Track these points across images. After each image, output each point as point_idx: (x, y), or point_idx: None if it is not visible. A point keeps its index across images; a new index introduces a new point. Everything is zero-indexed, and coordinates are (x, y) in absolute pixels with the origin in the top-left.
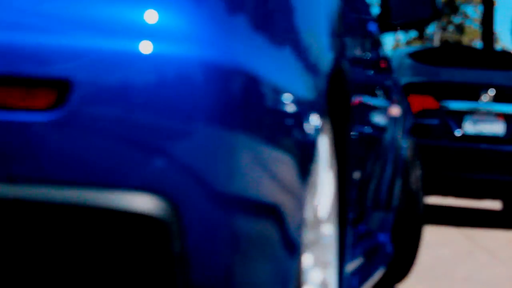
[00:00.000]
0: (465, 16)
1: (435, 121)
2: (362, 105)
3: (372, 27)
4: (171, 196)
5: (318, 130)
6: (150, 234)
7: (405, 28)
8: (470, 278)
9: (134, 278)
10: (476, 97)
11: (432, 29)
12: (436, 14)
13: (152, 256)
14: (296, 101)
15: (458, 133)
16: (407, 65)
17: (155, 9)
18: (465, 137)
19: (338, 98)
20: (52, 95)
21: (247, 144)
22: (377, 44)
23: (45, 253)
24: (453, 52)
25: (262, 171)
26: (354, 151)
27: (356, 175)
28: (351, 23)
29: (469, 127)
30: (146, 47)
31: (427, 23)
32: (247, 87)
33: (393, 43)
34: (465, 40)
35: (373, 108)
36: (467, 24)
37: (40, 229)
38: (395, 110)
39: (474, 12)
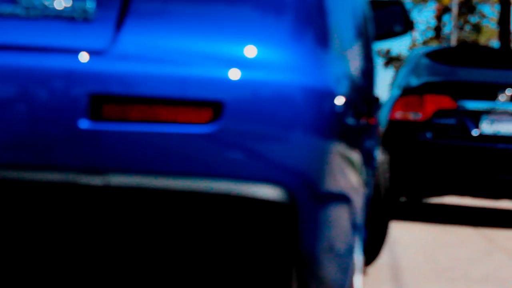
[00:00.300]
0: (482, 15)
1: (452, 121)
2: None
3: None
4: (291, 188)
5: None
6: (279, 215)
7: (379, 39)
8: (488, 278)
9: (262, 244)
10: (493, 97)
11: (449, 29)
12: (408, 26)
13: (278, 228)
14: (362, 116)
15: (475, 133)
16: (424, 65)
17: (275, 49)
18: (482, 137)
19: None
20: (209, 113)
21: (337, 149)
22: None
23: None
24: (470, 52)
25: (345, 169)
26: None
27: None
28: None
29: (486, 127)
30: (269, 77)
31: (400, 34)
32: (334, 105)
33: (410, 43)
34: (482, 39)
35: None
36: (484, 23)
37: (205, 209)
38: (374, 123)
39: (491, 11)
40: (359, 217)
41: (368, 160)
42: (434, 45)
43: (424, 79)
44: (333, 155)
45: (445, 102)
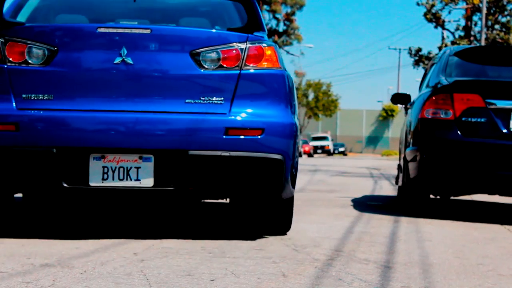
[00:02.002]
0: (511, 15)
1: (481, 119)
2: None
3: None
4: (283, 155)
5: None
6: (276, 164)
7: None
8: None
9: (263, 181)
10: None
11: (478, 28)
12: None
13: (274, 170)
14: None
15: (505, 131)
16: (454, 63)
17: (279, 110)
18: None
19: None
20: (260, 132)
21: (295, 142)
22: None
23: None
24: (499, 51)
25: (295, 150)
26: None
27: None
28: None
29: None
30: (277, 120)
31: None
32: (293, 126)
33: (440, 42)
34: None
35: None
36: None
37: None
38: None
39: None
40: (296, 163)
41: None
42: (463, 44)
43: (454, 78)
44: (294, 145)
45: (475, 100)
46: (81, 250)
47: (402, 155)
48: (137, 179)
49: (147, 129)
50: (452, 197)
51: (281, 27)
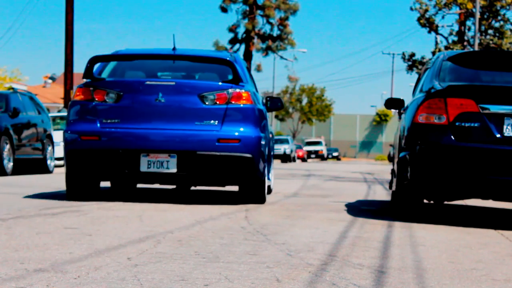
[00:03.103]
0: (505, 20)
1: (475, 124)
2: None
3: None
4: (252, 154)
5: (272, 135)
6: (248, 160)
7: (271, 111)
8: (511, 280)
9: (241, 170)
10: None
11: (472, 33)
12: (282, 106)
13: (247, 164)
14: (268, 139)
15: (498, 136)
16: (447, 68)
17: (252, 130)
18: (505, 140)
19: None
20: (238, 141)
21: (259, 147)
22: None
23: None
24: (493, 56)
25: (264, 150)
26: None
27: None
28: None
29: (509, 130)
30: (251, 135)
31: (280, 109)
32: (258, 138)
33: (434, 47)
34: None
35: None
36: (507, 28)
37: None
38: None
39: None
40: (267, 158)
41: (270, 147)
42: (457, 49)
43: (447, 82)
44: (259, 148)
45: (469, 105)
46: (75, 255)
47: (396, 160)
48: (167, 168)
49: (172, 139)
50: (445, 202)
51: (275, 32)
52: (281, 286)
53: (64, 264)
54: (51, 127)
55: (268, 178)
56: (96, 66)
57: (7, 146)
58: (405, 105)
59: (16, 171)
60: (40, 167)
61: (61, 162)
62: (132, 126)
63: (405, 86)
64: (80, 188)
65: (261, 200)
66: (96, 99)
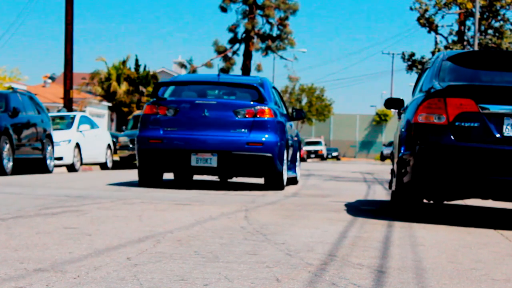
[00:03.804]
0: (505, 20)
1: (474, 124)
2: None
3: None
4: (272, 154)
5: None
6: (269, 158)
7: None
8: (511, 279)
9: (264, 166)
10: None
11: (471, 33)
12: (305, 115)
13: (268, 161)
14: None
15: (498, 135)
16: (447, 68)
17: (274, 137)
18: (505, 139)
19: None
20: (261, 144)
21: (278, 149)
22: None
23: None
24: (492, 56)
25: (286, 150)
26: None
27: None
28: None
29: (509, 130)
30: (272, 140)
31: (302, 119)
32: (277, 142)
33: (433, 47)
34: (505, 43)
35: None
36: (506, 28)
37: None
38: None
39: None
40: (293, 156)
41: (293, 147)
42: (457, 49)
43: (447, 82)
44: (278, 149)
45: (468, 105)
46: (74, 255)
47: (396, 160)
48: (210, 163)
49: (214, 142)
50: (445, 202)
51: (275, 32)
52: (280, 286)
53: (63, 264)
54: (50, 127)
55: (294, 172)
56: (161, 89)
57: (7, 146)
58: (405, 105)
59: (16, 171)
60: (39, 167)
61: (61, 162)
62: (185, 133)
63: (405, 86)
64: (148, 178)
65: (280, 188)
66: (160, 113)
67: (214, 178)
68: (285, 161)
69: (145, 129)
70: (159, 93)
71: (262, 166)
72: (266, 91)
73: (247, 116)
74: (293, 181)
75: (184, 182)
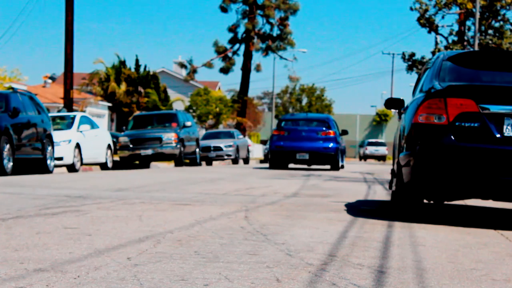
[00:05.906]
0: (505, 20)
1: (475, 124)
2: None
3: None
4: (334, 153)
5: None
6: (333, 155)
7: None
8: (511, 279)
9: (330, 159)
10: None
11: (472, 33)
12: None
13: (332, 157)
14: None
15: (498, 136)
16: (447, 68)
17: (333, 145)
18: (505, 140)
19: None
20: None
21: (338, 150)
22: None
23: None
24: (493, 56)
25: (341, 149)
26: None
27: None
28: None
29: (509, 130)
30: (333, 147)
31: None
32: (336, 147)
33: (434, 47)
34: (505, 44)
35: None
36: (506, 28)
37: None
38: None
39: None
40: (342, 154)
41: (342, 149)
42: (457, 49)
43: (447, 82)
44: (337, 151)
45: (469, 105)
46: (74, 255)
47: (396, 160)
48: (305, 157)
49: (307, 147)
50: (445, 202)
51: (275, 32)
52: (281, 286)
53: (63, 264)
54: (51, 127)
55: (342, 161)
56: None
57: (7, 146)
58: (405, 105)
59: (16, 171)
60: (40, 167)
61: (61, 162)
62: (293, 143)
63: (405, 86)
64: (275, 165)
65: (337, 170)
66: (281, 134)
67: (304, 166)
68: (339, 156)
69: (274, 141)
70: (281, 124)
71: (329, 159)
72: (331, 122)
73: (322, 134)
74: (342, 166)
75: (281, 167)
